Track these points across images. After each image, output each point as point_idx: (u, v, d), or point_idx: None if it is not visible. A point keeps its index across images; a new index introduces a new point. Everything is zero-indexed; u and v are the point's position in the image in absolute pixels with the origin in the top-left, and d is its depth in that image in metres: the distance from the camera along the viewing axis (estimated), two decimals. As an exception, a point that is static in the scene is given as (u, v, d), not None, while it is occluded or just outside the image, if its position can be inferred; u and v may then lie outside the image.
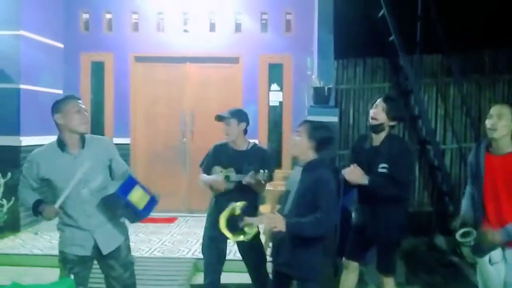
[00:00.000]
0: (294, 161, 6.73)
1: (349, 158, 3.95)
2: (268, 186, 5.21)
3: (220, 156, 3.91)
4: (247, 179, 3.64)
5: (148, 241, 5.70)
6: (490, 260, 3.10)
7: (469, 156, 3.45)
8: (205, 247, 4.00)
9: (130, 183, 3.04)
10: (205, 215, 6.64)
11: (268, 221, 2.91)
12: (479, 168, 3.24)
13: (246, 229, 2.99)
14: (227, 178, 3.78)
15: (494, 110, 3.14)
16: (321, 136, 3.06)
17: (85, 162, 3.01)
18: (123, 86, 7.18)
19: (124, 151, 6.96)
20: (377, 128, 3.56)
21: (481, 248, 3.10)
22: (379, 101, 3.61)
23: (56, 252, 3.20)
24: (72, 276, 2.90)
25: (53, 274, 3.36)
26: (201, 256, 5.12)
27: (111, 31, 7.21)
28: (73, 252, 3.08)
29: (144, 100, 7.28)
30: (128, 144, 7.17)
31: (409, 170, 3.67)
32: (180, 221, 6.78)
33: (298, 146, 3.07)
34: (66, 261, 3.09)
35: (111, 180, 3.20)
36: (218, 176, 3.83)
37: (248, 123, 3.96)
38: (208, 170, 3.95)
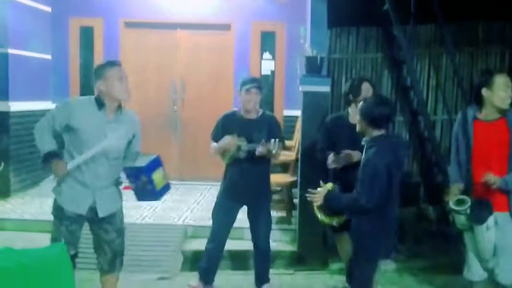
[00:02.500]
0: (287, 131, 6.80)
1: (324, 139, 3.96)
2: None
3: (230, 125, 3.90)
4: (259, 149, 3.66)
5: (139, 208, 5.70)
6: (487, 226, 3.16)
7: (454, 124, 3.49)
8: (215, 213, 4.05)
9: (156, 163, 3.15)
10: (197, 183, 6.81)
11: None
12: (468, 135, 3.31)
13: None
14: (238, 147, 3.78)
15: (508, 82, 3.21)
16: (373, 115, 3.09)
17: (121, 129, 3.06)
18: (112, 52, 7.05)
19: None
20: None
21: (481, 215, 3.15)
22: (365, 82, 3.84)
23: (46, 217, 3.21)
24: (63, 240, 2.92)
25: (44, 239, 3.39)
26: (192, 223, 5.23)
27: (101, -5, 7.06)
28: (72, 210, 3.10)
29: (134, 66, 7.15)
30: (118, 111, 7.10)
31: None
32: (172, 188, 6.78)
33: (359, 126, 3.18)
34: (64, 218, 3.11)
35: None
36: (227, 145, 3.82)
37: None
38: (217, 140, 3.94)
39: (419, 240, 5.35)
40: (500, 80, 3.20)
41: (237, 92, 3.97)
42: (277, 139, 3.63)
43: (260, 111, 3.96)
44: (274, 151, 3.65)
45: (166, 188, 3.26)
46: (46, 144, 3.06)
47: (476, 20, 6.13)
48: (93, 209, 3.14)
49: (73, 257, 3.01)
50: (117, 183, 3.25)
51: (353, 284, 3.36)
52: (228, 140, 3.80)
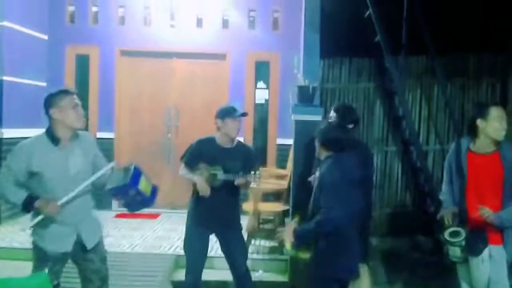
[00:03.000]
0: (280, 160, 6.81)
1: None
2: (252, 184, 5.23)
3: (205, 152, 3.82)
4: (238, 181, 3.64)
5: (130, 237, 5.67)
6: (482, 259, 3.14)
7: (448, 154, 3.50)
8: (187, 245, 3.96)
9: (138, 173, 3.11)
10: (188, 211, 6.76)
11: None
12: (461, 166, 3.30)
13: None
14: (214, 176, 3.73)
15: (503, 114, 3.23)
16: (326, 138, 3.22)
17: (79, 162, 3.02)
18: (108, 80, 7.13)
19: (108, 145, 6.92)
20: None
21: (477, 247, 3.14)
22: (331, 111, 4.04)
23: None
24: (46, 270, 2.87)
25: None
26: (182, 252, 5.14)
27: (97, 24, 7.16)
28: (55, 250, 3.02)
29: (129, 94, 7.23)
30: (112, 138, 7.12)
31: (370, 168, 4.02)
32: (163, 217, 6.76)
33: (317, 150, 3.28)
34: (46, 258, 3.01)
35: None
36: (202, 176, 3.75)
37: None
38: (191, 165, 3.85)
39: (413, 270, 5.30)
40: (495, 111, 3.21)
41: (216, 120, 3.84)
42: (257, 172, 3.64)
43: (236, 141, 3.91)
44: (252, 184, 3.68)
45: (154, 191, 3.22)
46: (16, 195, 2.93)
47: (467, 52, 6.22)
48: (77, 243, 3.07)
49: (56, 286, 2.95)
50: (92, 208, 3.20)
51: None
52: (200, 184, 3.73)
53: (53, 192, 2.95)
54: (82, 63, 7.21)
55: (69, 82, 7.14)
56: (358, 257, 3.19)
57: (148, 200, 3.16)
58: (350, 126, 3.92)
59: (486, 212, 3.09)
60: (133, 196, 3.08)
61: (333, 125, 3.49)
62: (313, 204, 3.15)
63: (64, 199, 2.93)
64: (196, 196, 3.90)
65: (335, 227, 2.95)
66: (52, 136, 3.00)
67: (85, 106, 7.14)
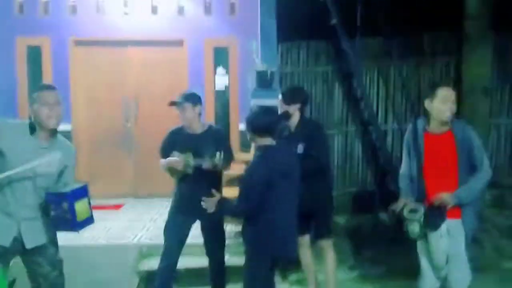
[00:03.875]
0: (242, 145, 6.81)
1: None
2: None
3: (176, 141, 3.86)
4: (206, 164, 3.64)
5: (92, 228, 5.47)
6: (440, 234, 3.21)
7: (405, 135, 3.58)
8: (167, 231, 3.98)
9: (83, 192, 3.00)
10: (153, 199, 6.70)
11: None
12: (418, 146, 3.36)
13: None
14: (186, 163, 3.72)
15: (450, 94, 3.26)
16: (253, 125, 3.26)
17: (53, 155, 2.92)
18: (62, 71, 6.91)
19: (66, 138, 6.75)
20: (284, 117, 3.88)
21: (435, 222, 3.21)
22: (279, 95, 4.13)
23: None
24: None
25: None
26: (147, 242, 5.13)
27: (48, 13, 6.90)
28: None
29: (85, 85, 7.05)
30: (69, 131, 6.90)
31: (323, 146, 4.04)
32: (127, 207, 6.66)
33: (250, 139, 3.34)
34: None
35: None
36: (175, 161, 3.75)
37: (202, 106, 3.92)
38: (165, 156, 3.88)
39: (376, 247, 5.43)
40: (440, 92, 3.25)
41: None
42: (221, 152, 3.63)
43: (206, 125, 3.95)
44: (219, 165, 3.65)
45: (88, 221, 3.06)
46: None
47: (421, 32, 6.35)
48: (18, 241, 2.96)
49: (12, 283, 2.86)
50: (47, 213, 3.04)
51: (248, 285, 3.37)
52: (175, 160, 3.75)
53: (13, 180, 2.87)
54: (34, 54, 6.96)
55: (21, 75, 6.91)
56: (288, 235, 3.32)
57: (75, 224, 2.94)
58: (296, 106, 3.95)
59: (443, 198, 3.17)
60: (63, 211, 2.90)
61: (262, 110, 3.45)
62: None
63: (3, 174, 2.80)
64: (178, 184, 3.94)
65: (243, 216, 3.30)
66: (31, 125, 2.95)
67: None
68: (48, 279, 3.08)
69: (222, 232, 4.06)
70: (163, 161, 3.90)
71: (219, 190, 4.02)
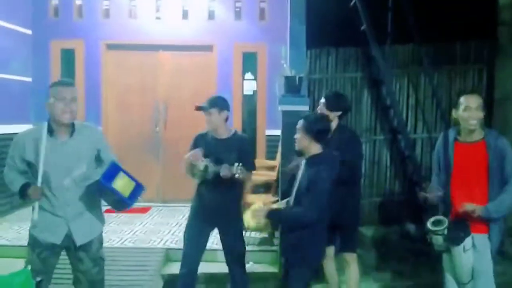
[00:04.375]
0: (269, 151, 6.80)
1: None
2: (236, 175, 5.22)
3: (201, 145, 3.83)
4: (224, 172, 3.61)
5: (119, 231, 5.65)
6: (464, 248, 3.14)
7: (436, 144, 3.51)
8: (187, 236, 3.98)
9: (113, 170, 3.01)
10: (179, 205, 6.75)
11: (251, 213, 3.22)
12: (448, 156, 3.30)
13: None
14: (205, 168, 3.69)
15: (473, 102, 3.19)
16: (317, 128, 3.20)
17: (71, 156, 2.98)
18: (94, 74, 7.06)
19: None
20: None
21: (458, 236, 3.14)
22: (322, 98, 4.05)
23: (23, 243, 3.15)
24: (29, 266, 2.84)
25: (21, 265, 3.30)
26: (172, 246, 5.17)
27: (82, 17, 7.08)
28: (44, 238, 3.02)
29: (116, 88, 7.18)
30: (100, 133, 7.06)
31: (358, 156, 3.99)
32: (153, 211, 6.74)
33: (300, 143, 3.25)
34: (35, 245, 3.05)
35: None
36: (197, 165, 3.72)
37: (229, 110, 3.91)
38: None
39: (402, 258, 5.34)
40: (464, 100, 3.20)
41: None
42: (240, 164, 3.58)
43: (232, 131, 3.93)
44: (237, 175, 3.59)
45: (137, 190, 3.09)
46: (15, 182, 3.01)
47: (453, 39, 6.22)
48: (69, 237, 3.05)
49: (39, 284, 2.93)
50: (95, 207, 3.15)
51: None
52: (191, 154, 3.71)
53: (48, 182, 2.95)
54: (68, 57, 7.14)
55: (55, 77, 7.04)
56: (324, 246, 3.39)
57: (126, 200, 3.02)
58: (338, 113, 3.92)
59: (471, 207, 3.10)
60: (110, 195, 3.00)
61: (321, 115, 3.50)
62: (295, 197, 3.23)
63: (38, 181, 2.90)
64: (197, 190, 3.94)
65: (307, 225, 3.14)
66: (48, 127, 3.00)
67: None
68: (87, 276, 3.16)
69: (241, 240, 4.02)
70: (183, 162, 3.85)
71: (240, 197, 4.03)
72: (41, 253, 3.03)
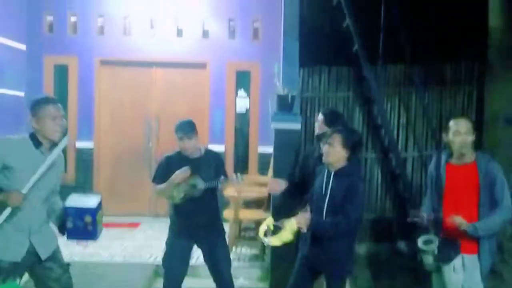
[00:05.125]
0: (262, 168, 6.82)
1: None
2: (231, 192, 5.24)
3: (175, 166, 3.77)
4: (224, 185, 3.68)
5: (109, 247, 5.61)
6: (453, 267, 3.16)
7: (429, 166, 3.55)
8: (166, 258, 3.90)
9: (100, 203, 3.10)
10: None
11: (297, 220, 3.20)
12: (440, 178, 3.34)
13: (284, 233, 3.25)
14: (193, 187, 3.70)
15: (462, 126, 3.24)
16: (354, 143, 3.33)
17: (57, 161, 2.98)
18: (87, 90, 7.08)
19: (88, 155, 6.88)
20: (321, 137, 3.77)
21: (447, 255, 3.17)
22: (319, 115, 4.06)
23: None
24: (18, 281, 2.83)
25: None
26: (162, 261, 5.13)
27: (76, 34, 7.12)
28: (5, 258, 2.90)
29: (109, 104, 7.20)
30: (92, 148, 7.06)
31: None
32: (144, 226, 6.70)
33: (334, 156, 3.30)
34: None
35: None
36: (180, 188, 3.73)
37: None
38: (160, 182, 3.82)
39: (394, 276, 5.33)
40: (454, 124, 3.25)
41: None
42: (239, 174, 3.68)
43: (203, 149, 3.92)
44: (241, 184, 3.68)
45: (101, 228, 3.17)
46: None
47: (444, 60, 6.32)
48: (30, 253, 2.98)
49: None
50: (48, 222, 3.15)
51: None
52: (181, 174, 3.69)
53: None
54: (61, 73, 7.16)
55: (48, 92, 7.06)
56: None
57: (96, 232, 3.07)
58: None
59: (458, 221, 3.12)
60: (85, 224, 3.01)
61: (353, 128, 3.72)
62: (329, 207, 3.27)
63: (25, 189, 2.84)
64: (174, 208, 3.88)
65: (347, 234, 3.27)
66: (34, 139, 2.97)
67: (64, 116, 7.11)
68: (60, 282, 3.11)
69: (227, 253, 3.99)
70: (163, 185, 3.79)
71: (219, 210, 4.03)
72: (6, 278, 2.90)
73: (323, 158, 3.37)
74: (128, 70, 7.19)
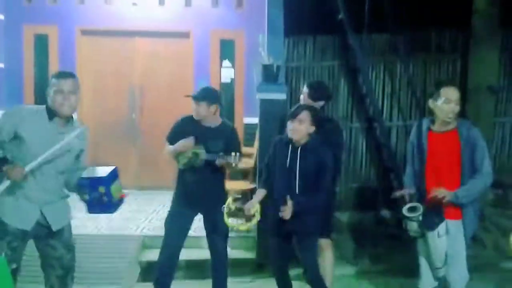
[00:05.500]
0: (247, 139, 6.81)
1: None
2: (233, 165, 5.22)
3: (187, 130, 3.82)
4: (220, 161, 3.64)
5: (96, 218, 5.59)
6: (438, 233, 3.21)
7: (410, 134, 3.57)
8: (168, 223, 3.98)
9: (115, 175, 3.11)
10: (156, 191, 6.73)
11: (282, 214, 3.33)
12: (422, 145, 3.37)
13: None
14: (196, 155, 3.71)
15: (453, 95, 3.24)
16: (320, 119, 3.51)
17: (68, 139, 2.95)
18: (68, 60, 6.92)
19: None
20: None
21: (432, 222, 3.21)
22: (304, 87, 4.06)
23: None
24: (3, 254, 2.84)
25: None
26: (149, 233, 5.17)
27: (56, 2, 6.92)
28: (15, 225, 2.97)
29: (91, 75, 7.07)
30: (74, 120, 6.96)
31: (340, 146, 4.10)
32: (130, 198, 6.61)
33: (303, 131, 3.43)
34: (5, 233, 2.96)
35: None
36: (184, 152, 3.75)
37: (220, 104, 3.92)
38: (173, 142, 3.85)
39: (378, 243, 5.44)
40: (444, 92, 3.24)
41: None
42: (237, 153, 3.63)
43: (220, 120, 3.92)
44: (234, 164, 3.65)
45: (121, 200, 3.19)
46: None
47: (428, 28, 6.31)
48: (40, 224, 3.03)
49: (15, 271, 2.91)
50: (65, 196, 3.16)
51: (310, 263, 3.59)
52: (184, 143, 3.74)
53: (28, 162, 2.90)
54: (41, 42, 6.98)
55: (28, 63, 6.94)
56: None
57: (111, 205, 3.10)
58: (322, 102, 3.96)
59: (441, 193, 3.17)
60: (100, 195, 3.03)
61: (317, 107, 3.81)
62: (302, 181, 3.42)
63: (29, 166, 2.86)
64: (180, 176, 3.93)
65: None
66: (49, 111, 2.99)
67: (45, 87, 6.96)
68: (62, 262, 3.14)
69: (224, 225, 4.04)
70: (170, 147, 3.87)
71: (223, 182, 4.05)
72: (11, 242, 2.97)
73: (290, 134, 3.45)
74: (109, 40, 7.04)
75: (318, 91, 3.99)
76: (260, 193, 3.65)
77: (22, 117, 2.95)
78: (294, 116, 3.43)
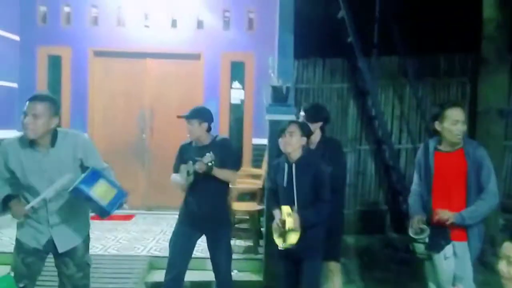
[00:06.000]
0: (255, 160, 6.82)
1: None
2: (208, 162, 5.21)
3: (185, 155, 3.89)
4: (197, 166, 3.66)
5: (103, 238, 5.62)
6: (444, 255, 3.19)
7: (417, 154, 3.57)
8: (173, 243, 3.98)
9: (93, 177, 2.90)
10: (164, 212, 6.73)
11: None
12: (429, 165, 3.35)
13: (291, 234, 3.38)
14: (188, 173, 3.74)
15: (459, 115, 3.24)
16: (309, 131, 3.59)
17: (54, 168, 2.93)
18: (81, 81, 7.03)
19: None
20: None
21: (438, 244, 3.19)
22: (301, 111, 4.11)
23: (4, 249, 3.13)
24: (12, 273, 2.87)
25: (3, 271, 3.28)
26: (156, 254, 5.16)
27: (70, 24, 7.06)
28: (28, 243, 3.03)
29: (102, 95, 7.16)
30: (86, 140, 7.03)
31: (342, 166, 4.06)
32: (138, 218, 6.71)
33: (295, 144, 3.47)
34: (20, 250, 3.05)
35: None
36: (180, 173, 3.81)
37: (211, 122, 3.94)
38: (176, 170, 3.93)
39: (385, 267, 5.38)
40: (450, 113, 3.24)
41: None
42: (211, 152, 3.64)
43: (212, 136, 3.95)
44: (207, 162, 3.61)
45: (118, 197, 3.00)
46: (0, 190, 2.97)
47: (438, 52, 6.34)
48: (52, 243, 3.05)
49: None
50: (80, 213, 3.13)
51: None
52: (180, 176, 3.80)
53: (30, 192, 2.96)
54: (55, 64, 7.10)
55: (41, 83, 7.05)
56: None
57: (104, 207, 2.91)
58: (319, 124, 3.97)
59: (444, 215, 3.15)
60: (89, 201, 2.90)
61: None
62: (302, 197, 3.41)
63: (30, 204, 2.91)
64: (186, 196, 3.96)
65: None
66: (26, 138, 2.97)
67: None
68: (72, 280, 3.15)
69: (228, 247, 4.02)
70: (172, 176, 3.97)
71: (226, 203, 4.06)
72: (25, 258, 3.02)
73: (284, 148, 3.50)
74: (122, 61, 7.15)
75: (313, 113, 4.01)
76: (278, 212, 3.59)
77: (6, 152, 2.94)
78: (283, 131, 3.50)
